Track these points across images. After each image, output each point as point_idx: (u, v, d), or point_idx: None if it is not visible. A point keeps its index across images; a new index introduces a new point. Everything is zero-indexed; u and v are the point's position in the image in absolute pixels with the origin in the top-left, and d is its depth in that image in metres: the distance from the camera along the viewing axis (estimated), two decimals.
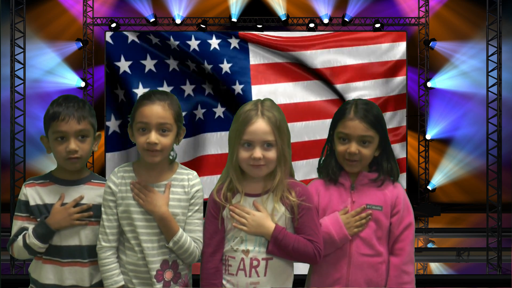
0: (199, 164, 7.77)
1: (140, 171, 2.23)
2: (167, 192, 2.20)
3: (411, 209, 2.30)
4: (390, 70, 8.34)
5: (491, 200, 6.55)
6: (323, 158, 2.36)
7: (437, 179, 9.59)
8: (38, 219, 2.22)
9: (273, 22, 9.16)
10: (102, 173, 8.12)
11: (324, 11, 9.21)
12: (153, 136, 2.14)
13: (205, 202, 2.27)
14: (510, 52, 8.10)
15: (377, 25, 8.76)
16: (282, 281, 2.17)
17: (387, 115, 8.21)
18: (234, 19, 9.11)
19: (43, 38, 9.13)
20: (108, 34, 7.98)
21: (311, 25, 8.85)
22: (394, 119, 8.36)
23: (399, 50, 8.39)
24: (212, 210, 2.22)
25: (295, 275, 2.24)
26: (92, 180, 2.31)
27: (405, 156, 8.50)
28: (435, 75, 9.50)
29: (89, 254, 2.24)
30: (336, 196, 2.27)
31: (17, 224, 2.25)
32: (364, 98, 2.39)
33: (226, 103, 8.02)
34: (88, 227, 2.25)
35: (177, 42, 7.95)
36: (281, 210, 2.15)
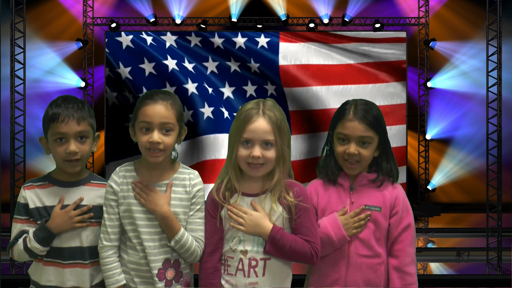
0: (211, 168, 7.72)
1: (141, 171, 2.24)
2: (169, 191, 2.20)
3: (411, 210, 2.29)
4: (390, 73, 8.34)
5: (491, 200, 6.55)
6: (322, 159, 2.36)
7: (437, 179, 9.59)
8: (38, 222, 2.21)
9: (273, 22, 9.16)
10: (102, 173, 8.12)
11: (324, 11, 9.21)
12: (156, 136, 2.14)
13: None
14: (510, 52, 8.10)
15: (377, 25, 8.76)
16: (280, 281, 2.17)
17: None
18: (234, 19, 9.11)
19: (43, 38, 9.13)
20: (128, 39, 7.94)
21: (311, 25, 8.85)
22: (394, 138, 8.28)
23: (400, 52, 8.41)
24: (210, 209, 2.22)
25: (293, 275, 2.24)
26: (91, 181, 2.31)
27: (405, 181, 8.45)
28: (435, 75, 9.50)
29: (90, 255, 2.24)
30: (335, 197, 2.27)
31: (16, 227, 2.24)
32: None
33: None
34: (89, 228, 2.24)
35: (222, 40, 7.93)
36: (278, 210, 2.15)
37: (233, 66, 8.08)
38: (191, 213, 2.22)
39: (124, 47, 7.93)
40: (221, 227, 2.20)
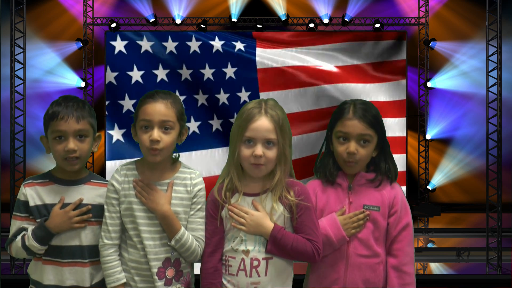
0: None
1: (143, 170, 2.24)
2: (170, 190, 2.20)
3: (409, 209, 2.29)
4: (390, 72, 8.34)
5: (491, 200, 6.55)
6: (320, 158, 2.36)
7: (437, 179, 9.59)
8: (38, 220, 2.21)
9: (273, 22, 9.16)
10: (102, 173, 8.11)
11: (324, 11, 9.21)
12: (156, 133, 2.15)
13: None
14: (510, 52, 8.10)
15: (377, 25, 8.76)
16: (282, 280, 2.18)
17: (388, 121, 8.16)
18: (234, 19, 9.11)
19: (43, 38, 9.13)
20: (122, 44, 7.77)
21: (311, 25, 8.85)
22: (395, 128, 8.28)
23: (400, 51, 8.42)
24: (210, 210, 2.22)
25: (293, 274, 2.24)
26: (92, 180, 2.31)
27: (405, 170, 8.45)
28: (435, 75, 9.50)
29: (90, 254, 2.24)
30: (334, 197, 2.27)
31: (15, 224, 2.25)
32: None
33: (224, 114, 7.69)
34: (88, 227, 2.25)
35: (176, 43, 7.73)
36: (279, 209, 2.16)
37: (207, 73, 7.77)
38: (191, 212, 2.22)
39: (116, 52, 7.77)
40: (222, 227, 2.20)
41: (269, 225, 2.14)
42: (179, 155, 2.30)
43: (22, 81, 6.88)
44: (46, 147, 2.28)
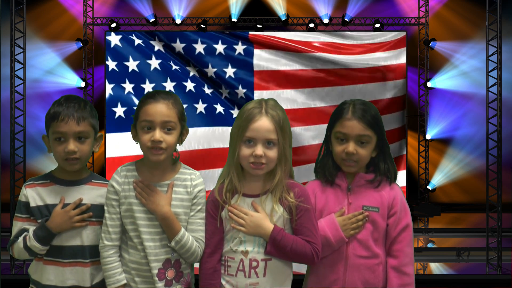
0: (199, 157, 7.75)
1: (143, 171, 2.24)
2: (170, 191, 2.20)
3: (409, 210, 2.29)
4: (391, 71, 8.35)
5: (491, 200, 6.55)
6: (319, 159, 2.36)
7: (437, 179, 9.59)
8: (39, 221, 2.22)
9: (273, 22, 9.16)
10: (102, 173, 8.11)
11: (324, 11, 9.21)
12: (158, 134, 2.15)
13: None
14: (510, 52, 8.10)
15: (377, 25, 8.76)
16: (281, 281, 2.18)
17: (387, 117, 8.23)
18: (234, 19, 9.11)
19: (43, 38, 9.13)
20: (117, 38, 7.91)
21: (311, 25, 8.85)
22: (395, 120, 8.35)
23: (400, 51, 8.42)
24: (210, 210, 2.22)
25: (293, 275, 2.24)
26: (92, 180, 2.31)
27: (405, 153, 8.51)
28: (435, 75, 9.50)
29: (91, 254, 2.24)
30: (333, 198, 2.27)
31: (17, 225, 2.25)
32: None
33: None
34: (89, 227, 2.25)
35: (183, 45, 7.95)
36: (279, 210, 2.15)
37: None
38: (192, 213, 2.22)
39: (113, 45, 7.94)
40: (221, 227, 2.20)
41: (269, 226, 2.14)
42: (179, 156, 2.30)
43: (22, 81, 6.88)
44: (48, 147, 2.28)
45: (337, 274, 2.23)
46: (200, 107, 7.95)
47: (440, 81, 9.49)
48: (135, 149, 2.37)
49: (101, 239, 2.20)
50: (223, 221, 2.20)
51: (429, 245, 7.52)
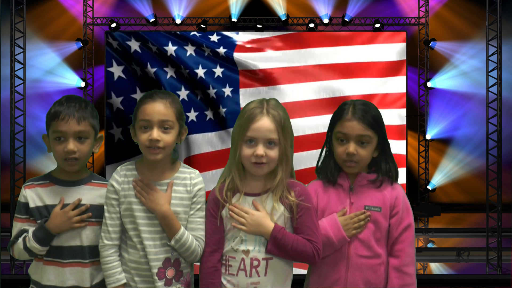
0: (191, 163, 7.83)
1: (142, 170, 2.24)
2: (169, 190, 2.20)
3: (411, 210, 2.29)
4: (390, 70, 8.35)
5: (491, 200, 6.55)
6: (321, 160, 2.36)
7: (437, 179, 9.59)
8: (38, 222, 2.21)
9: (273, 22, 9.16)
10: (102, 173, 8.12)
11: (324, 11, 9.21)
12: (155, 133, 2.15)
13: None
14: (510, 52, 8.10)
15: (377, 25, 8.76)
16: (282, 280, 2.18)
17: (386, 111, 8.24)
18: (234, 19, 9.11)
19: (43, 38, 9.13)
20: (114, 43, 7.98)
21: (311, 25, 8.85)
22: (395, 116, 8.35)
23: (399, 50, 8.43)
24: (211, 209, 2.22)
25: (294, 275, 2.24)
26: (92, 181, 2.31)
27: (405, 153, 8.51)
28: (435, 75, 9.50)
29: (90, 254, 2.24)
30: (335, 198, 2.27)
31: (17, 226, 2.25)
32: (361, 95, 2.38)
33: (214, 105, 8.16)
34: (88, 228, 2.25)
35: (175, 47, 8.01)
36: (280, 209, 2.15)
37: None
38: (191, 212, 2.22)
39: (115, 46, 8.00)
40: (222, 226, 2.20)
41: (270, 225, 2.14)
42: (178, 155, 2.30)
43: (22, 81, 6.88)
44: (48, 146, 2.27)
45: (338, 274, 2.23)
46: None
47: (440, 81, 9.49)
48: None
49: (101, 238, 2.20)
50: (223, 220, 2.20)
51: (429, 245, 7.52)
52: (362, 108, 2.23)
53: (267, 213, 2.15)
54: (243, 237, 2.16)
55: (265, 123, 2.13)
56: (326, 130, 2.35)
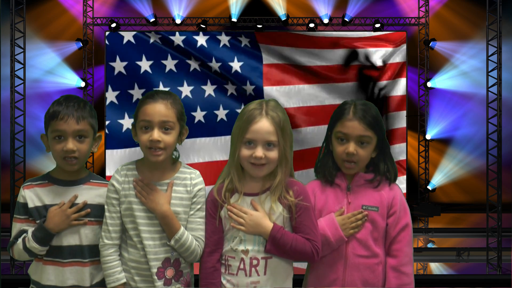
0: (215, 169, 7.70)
1: (143, 170, 2.24)
2: (169, 190, 2.21)
3: (408, 210, 2.29)
4: (391, 71, 8.35)
5: (491, 200, 6.55)
6: (319, 158, 2.36)
7: (437, 179, 9.59)
8: (37, 221, 2.21)
9: (273, 22, 9.16)
10: (102, 173, 8.11)
11: (324, 11, 9.21)
12: (156, 134, 2.15)
13: None
14: (510, 52, 8.10)
15: (377, 25, 8.76)
16: (282, 280, 2.18)
17: (387, 115, 8.25)
18: (234, 19, 9.11)
19: (43, 38, 9.13)
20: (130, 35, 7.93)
21: (311, 25, 8.85)
22: (395, 120, 8.34)
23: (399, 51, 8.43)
24: (210, 209, 2.22)
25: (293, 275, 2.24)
26: (91, 180, 2.31)
27: (405, 158, 8.50)
28: (435, 75, 9.50)
29: (90, 253, 2.24)
30: (332, 197, 2.27)
31: (16, 227, 2.25)
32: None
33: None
34: (88, 227, 2.25)
35: (183, 37, 7.90)
36: (278, 210, 2.15)
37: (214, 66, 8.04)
38: (191, 212, 2.22)
39: (124, 42, 7.93)
40: (221, 227, 2.20)
41: (268, 224, 2.14)
42: (179, 155, 2.30)
43: (22, 81, 6.89)
44: (46, 146, 2.28)
45: (336, 274, 2.23)
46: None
47: (440, 81, 9.49)
48: None
49: (101, 237, 2.21)
50: (222, 221, 2.20)
51: (429, 245, 7.52)
52: (362, 108, 2.24)
53: (266, 213, 2.16)
54: (242, 237, 2.16)
55: (264, 125, 2.12)
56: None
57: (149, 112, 2.17)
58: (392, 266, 2.22)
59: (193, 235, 2.18)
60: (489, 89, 6.72)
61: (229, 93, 7.98)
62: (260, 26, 8.84)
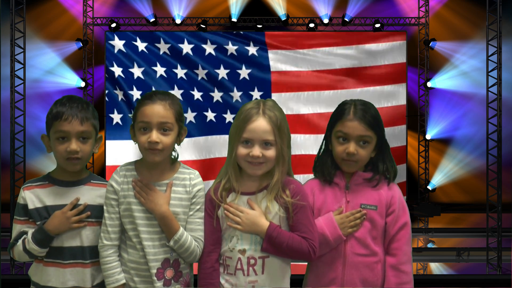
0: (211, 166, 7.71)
1: (142, 170, 2.24)
2: (169, 191, 2.21)
3: (407, 209, 2.30)
4: (390, 75, 8.29)
5: (491, 200, 6.55)
6: (318, 157, 2.36)
7: (437, 179, 9.59)
8: (38, 223, 2.21)
9: (273, 22, 9.16)
10: (101, 173, 8.12)
11: (324, 11, 9.21)
12: (154, 135, 2.15)
13: None
14: (510, 52, 8.10)
15: (377, 25, 8.76)
16: (280, 278, 2.18)
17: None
18: (234, 19, 9.11)
19: (43, 38, 9.13)
20: (120, 43, 7.90)
21: (311, 25, 8.85)
22: (394, 137, 8.12)
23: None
24: (208, 209, 2.22)
25: (292, 275, 2.24)
26: (92, 181, 2.31)
27: (405, 180, 8.45)
28: (435, 75, 9.50)
29: (91, 254, 2.24)
30: (331, 196, 2.28)
31: (16, 228, 2.24)
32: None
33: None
34: (88, 228, 2.24)
35: (191, 46, 7.91)
36: (274, 208, 2.15)
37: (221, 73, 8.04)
38: (191, 213, 2.22)
39: (116, 50, 7.89)
40: (219, 226, 2.20)
41: (264, 223, 2.14)
42: (178, 156, 2.30)
43: (22, 81, 6.88)
44: (47, 146, 2.27)
45: (335, 272, 2.23)
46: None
47: (440, 81, 9.49)
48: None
49: (101, 238, 2.20)
50: (219, 220, 2.20)
51: (429, 245, 7.52)
52: (362, 108, 2.24)
53: (262, 212, 2.16)
54: (239, 236, 2.16)
55: (261, 124, 2.13)
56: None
57: (148, 113, 2.16)
58: (391, 264, 2.22)
59: (192, 236, 2.18)
60: (489, 89, 6.72)
61: (234, 100, 8.00)
62: (260, 26, 8.84)
